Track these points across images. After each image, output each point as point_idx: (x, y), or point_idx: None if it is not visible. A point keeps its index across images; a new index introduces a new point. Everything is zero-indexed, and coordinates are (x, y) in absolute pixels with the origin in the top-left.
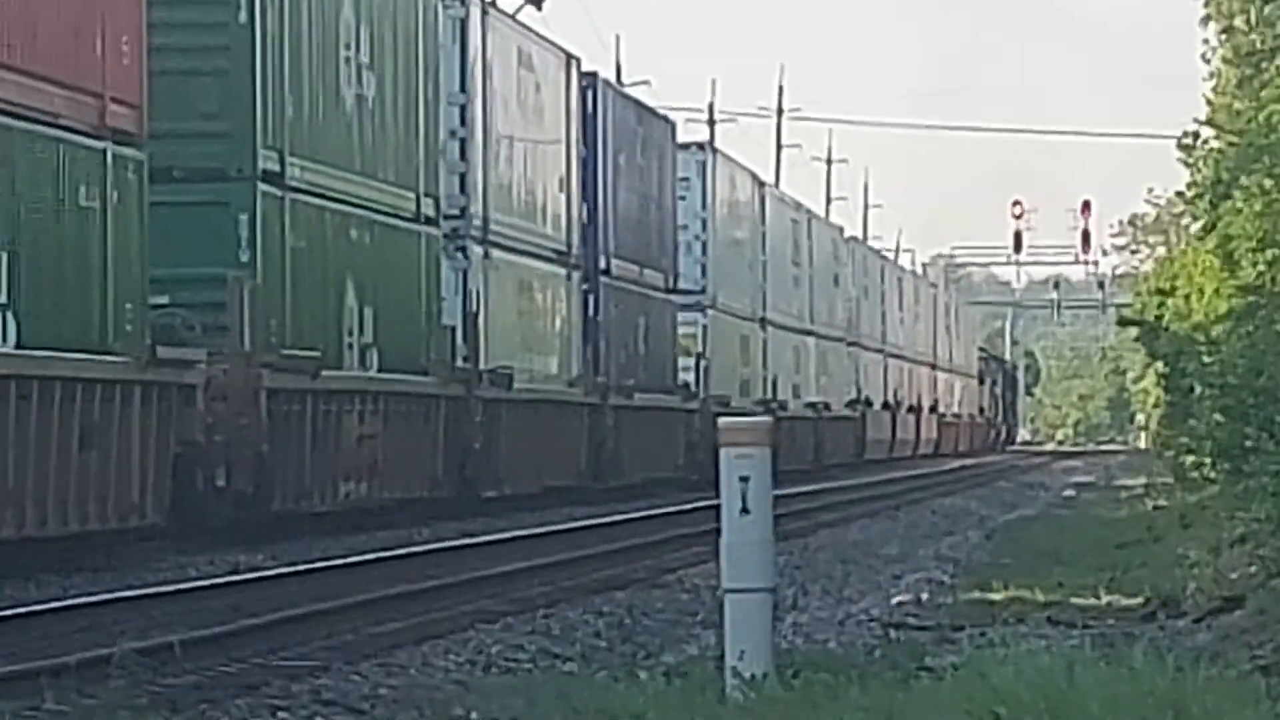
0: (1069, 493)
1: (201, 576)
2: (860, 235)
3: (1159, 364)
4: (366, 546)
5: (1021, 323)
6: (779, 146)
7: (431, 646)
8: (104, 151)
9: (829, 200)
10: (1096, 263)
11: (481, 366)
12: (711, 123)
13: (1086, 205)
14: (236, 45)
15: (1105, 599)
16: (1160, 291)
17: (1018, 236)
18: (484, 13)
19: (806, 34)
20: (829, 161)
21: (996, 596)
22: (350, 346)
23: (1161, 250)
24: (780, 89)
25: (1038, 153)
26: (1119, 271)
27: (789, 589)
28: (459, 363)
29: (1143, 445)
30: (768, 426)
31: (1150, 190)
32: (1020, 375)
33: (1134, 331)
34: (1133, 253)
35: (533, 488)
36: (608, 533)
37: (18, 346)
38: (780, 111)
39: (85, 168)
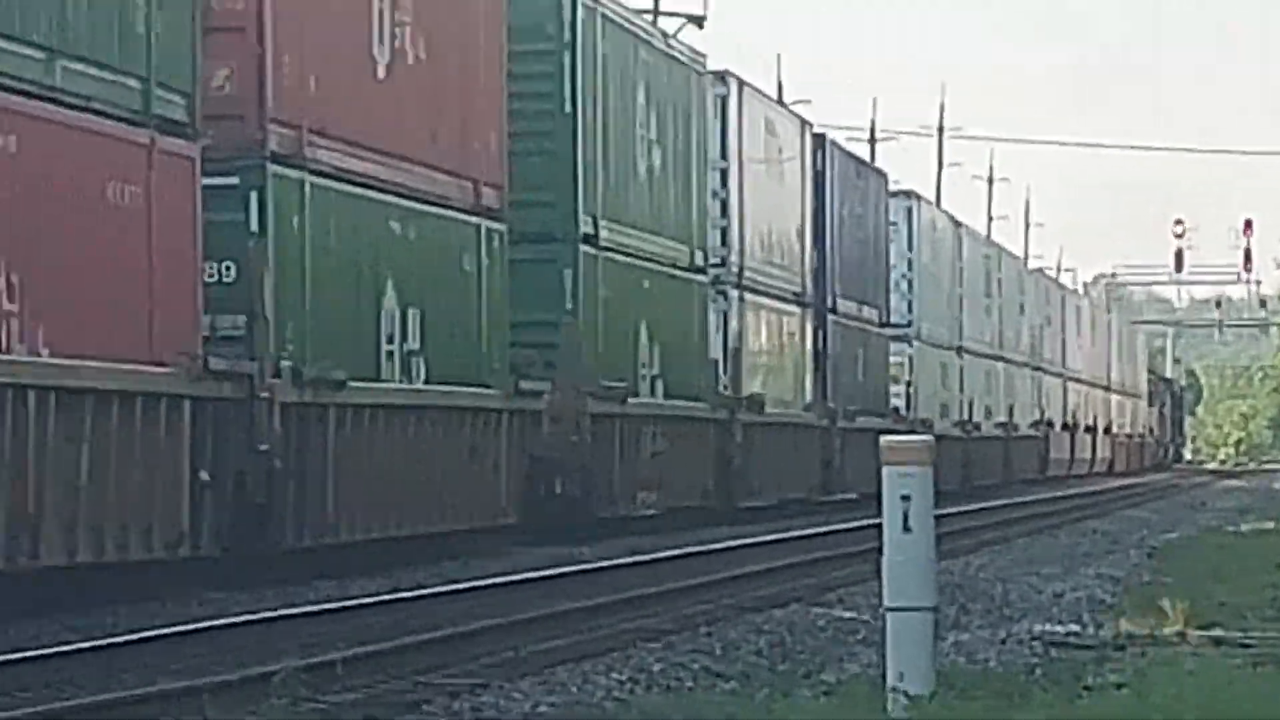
0: (1230, 512)
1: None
2: (1021, 255)
3: None
4: (531, 565)
5: (1183, 341)
6: (940, 165)
7: (593, 664)
8: (478, 226)
9: (990, 219)
10: (1259, 281)
11: (741, 394)
12: (873, 141)
13: (1249, 224)
14: (560, 131)
15: (1267, 618)
16: None
17: (1179, 255)
18: (740, 89)
19: (967, 53)
20: (990, 180)
21: (1157, 615)
22: (644, 378)
23: None
24: (942, 107)
25: (1199, 171)
26: None
27: (950, 607)
28: (723, 390)
29: None
30: (929, 445)
31: None
32: (1185, 395)
33: None
34: None
35: (774, 499)
36: (771, 551)
37: (425, 383)
38: (941, 130)
39: (466, 239)
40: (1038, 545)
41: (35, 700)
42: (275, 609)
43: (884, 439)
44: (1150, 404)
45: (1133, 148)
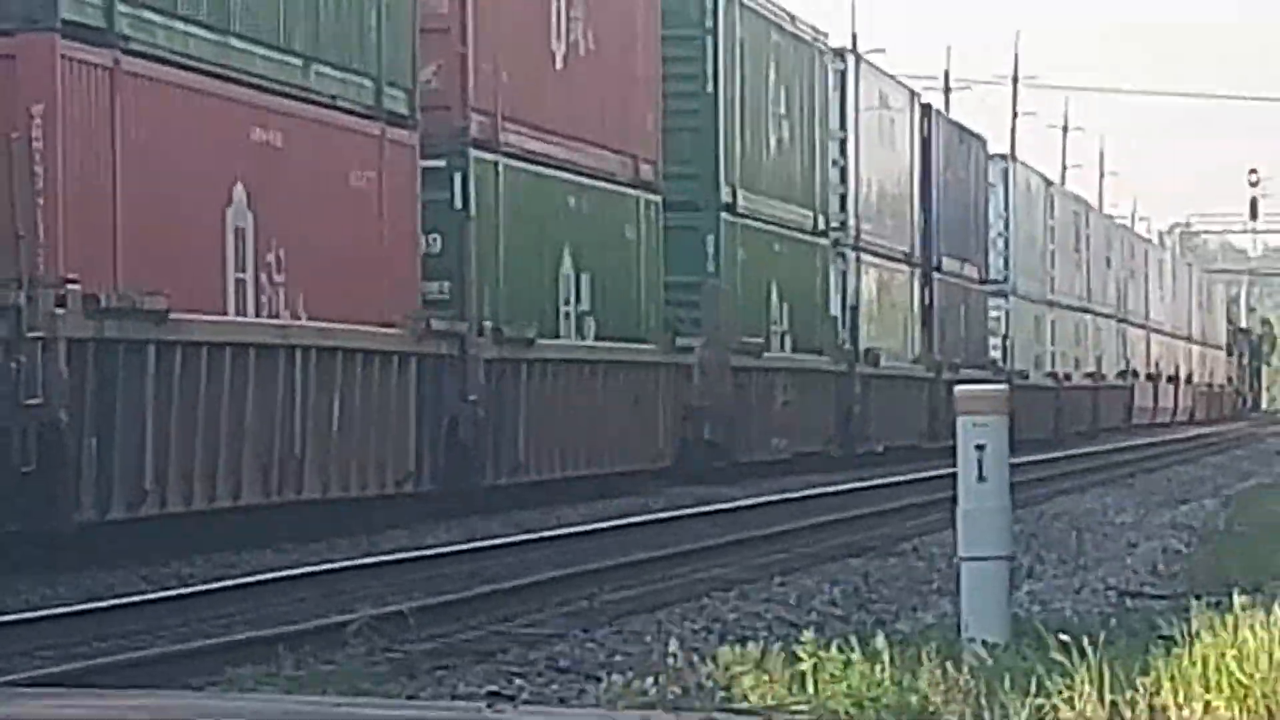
0: None
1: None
2: (1096, 204)
3: None
4: (606, 514)
5: (1257, 290)
6: (1014, 115)
7: (667, 614)
8: (638, 198)
9: (1064, 168)
10: None
11: (859, 348)
12: (947, 90)
13: None
14: (704, 109)
15: None
16: None
17: (1254, 203)
18: (857, 65)
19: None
20: (1065, 130)
21: (1232, 564)
22: (775, 334)
23: None
24: (1016, 56)
25: (1274, 119)
26: None
27: (1024, 557)
28: (843, 345)
29: None
30: (1004, 395)
31: None
32: (1263, 345)
33: None
34: None
35: (888, 445)
36: (850, 499)
37: (596, 340)
38: (1016, 79)
39: (628, 210)
40: (1113, 494)
41: (112, 650)
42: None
43: (958, 389)
44: (1229, 354)
45: (1207, 96)
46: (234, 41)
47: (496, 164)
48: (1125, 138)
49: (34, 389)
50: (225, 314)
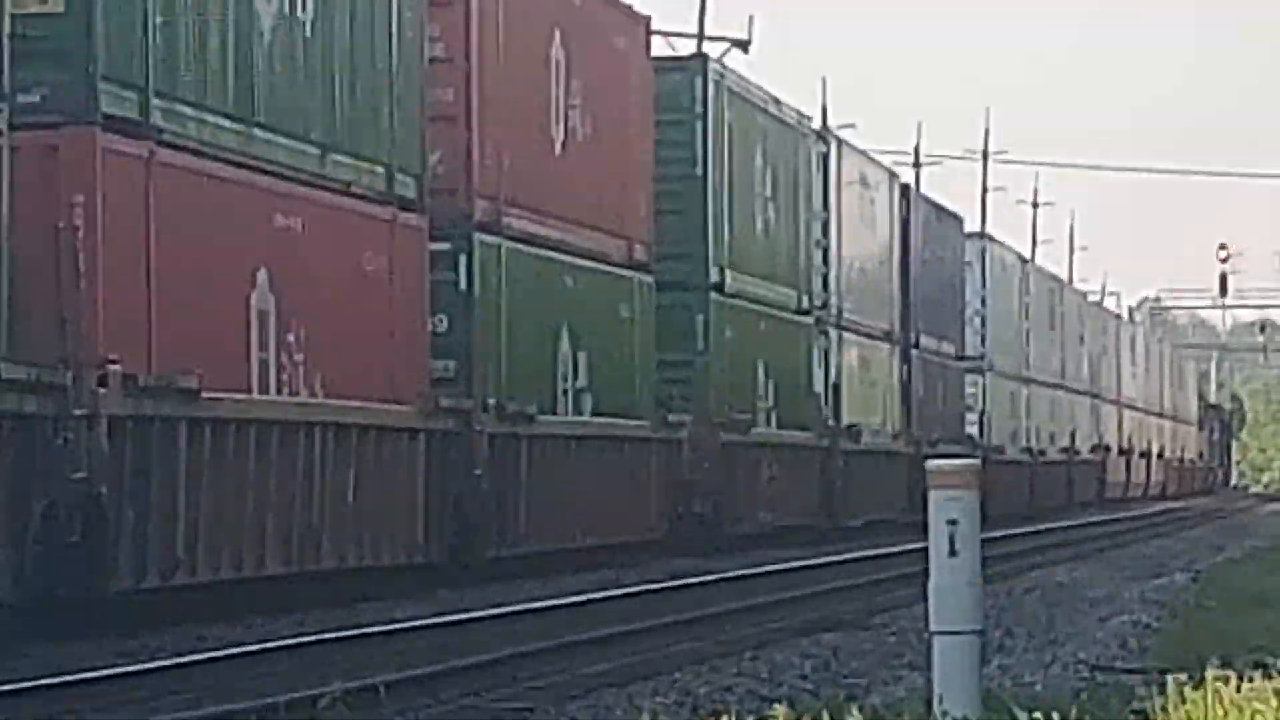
0: (1275, 537)
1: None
2: (1067, 279)
3: None
4: (577, 589)
5: (1227, 365)
6: (985, 189)
7: (639, 687)
8: (632, 279)
9: (1034, 243)
10: None
11: (841, 424)
12: (917, 165)
13: None
14: (693, 192)
15: None
16: None
17: (1223, 279)
18: (839, 147)
19: (1009, 78)
20: (1035, 205)
21: (1203, 640)
22: (761, 410)
23: None
24: (986, 132)
25: (1243, 194)
26: None
27: (995, 630)
28: (826, 421)
29: None
30: (976, 469)
31: None
32: (1235, 421)
33: None
34: None
35: (869, 519)
36: (818, 574)
37: (592, 416)
38: (986, 154)
39: (623, 290)
40: (1081, 570)
41: None
42: (321, 631)
43: (930, 463)
44: (1200, 429)
45: (1177, 171)
46: (257, 132)
47: (499, 247)
48: (1095, 213)
49: (78, 464)
50: (250, 392)
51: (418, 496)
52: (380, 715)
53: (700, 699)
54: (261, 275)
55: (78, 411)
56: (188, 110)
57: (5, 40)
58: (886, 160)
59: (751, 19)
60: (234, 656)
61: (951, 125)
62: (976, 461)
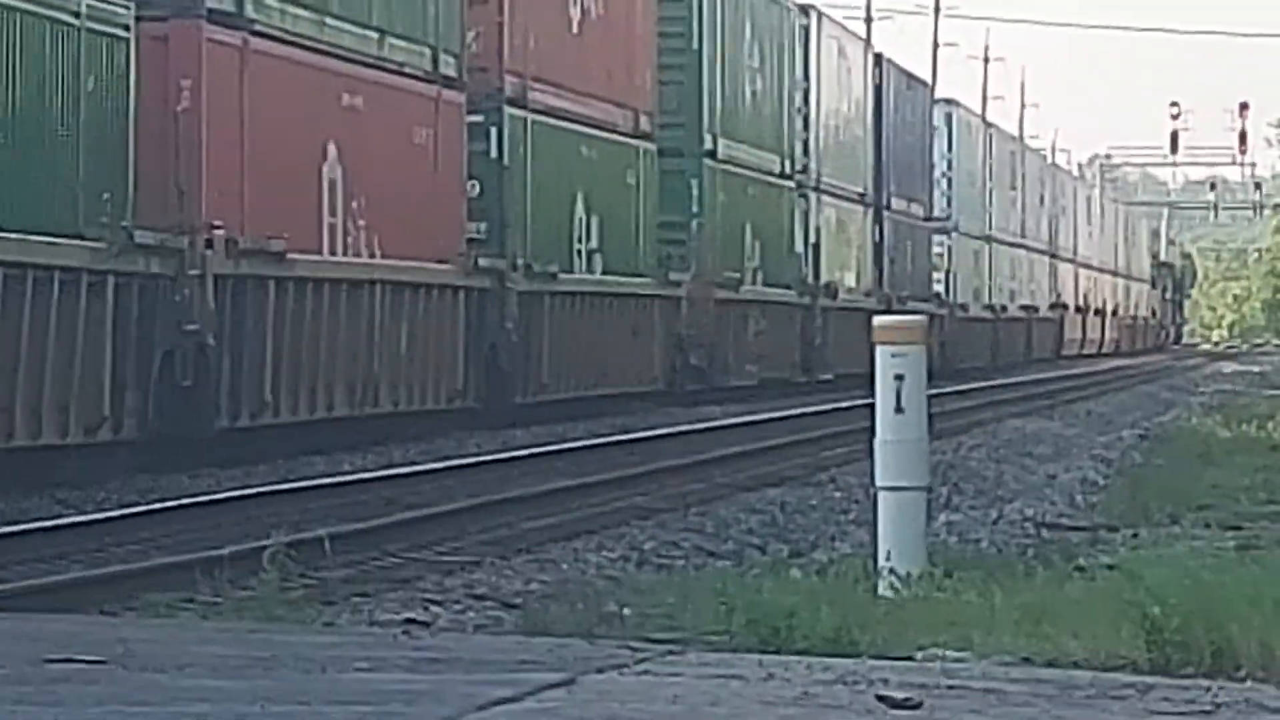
0: (1223, 395)
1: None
2: (1017, 135)
3: None
4: (535, 441)
5: (1178, 223)
6: (935, 45)
7: (585, 542)
8: (637, 147)
9: (985, 99)
10: (1254, 163)
11: (820, 282)
12: (869, 20)
13: (1244, 106)
14: (690, 65)
15: (1258, 499)
16: None
17: (1174, 137)
18: (819, 20)
19: None
20: (986, 60)
21: (1150, 497)
22: (749, 269)
23: None
24: None
25: (1195, 52)
26: (1276, 171)
27: (943, 487)
28: (806, 279)
29: None
30: (922, 325)
31: None
32: (1186, 279)
33: None
34: None
35: (847, 370)
36: (770, 428)
37: (603, 274)
38: (938, 10)
39: (628, 158)
40: (1031, 427)
41: (27, 575)
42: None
43: (876, 319)
44: (1154, 287)
45: (1129, 28)
46: (329, 20)
47: (526, 120)
48: (1046, 69)
49: (191, 316)
50: (321, 253)
51: (459, 348)
52: (323, 566)
53: (646, 554)
54: (331, 149)
55: (191, 271)
56: (273, 2)
57: None
58: (838, 15)
59: None
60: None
61: None
62: (923, 317)
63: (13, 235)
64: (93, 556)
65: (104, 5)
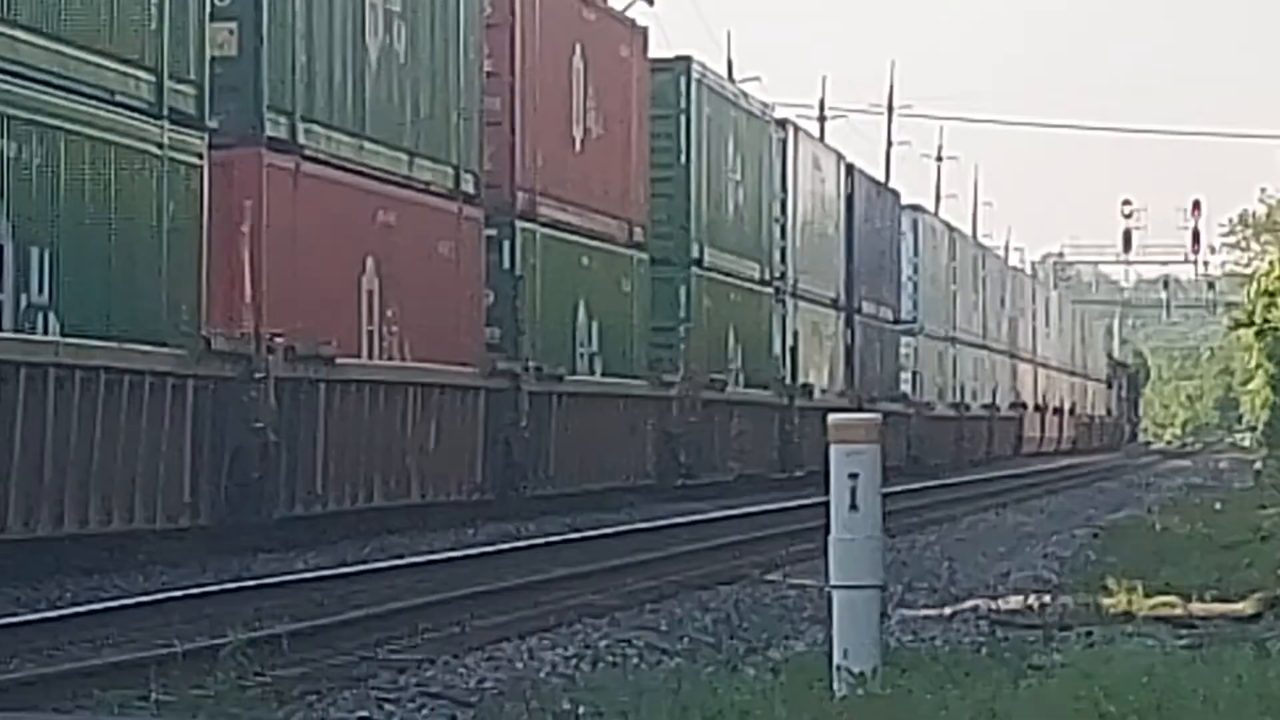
0: (1176, 492)
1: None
2: (970, 233)
3: (1268, 364)
4: (489, 540)
5: (1130, 321)
6: (889, 144)
7: (538, 640)
8: (631, 257)
9: (939, 198)
10: (1206, 262)
11: (796, 383)
12: (822, 119)
13: (1197, 205)
14: (678, 178)
15: (1211, 599)
16: (1269, 293)
17: (1127, 235)
18: (795, 133)
19: (916, 30)
20: (939, 159)
21: (1103, 596)
22: (732, 371)
23: (1272, 250)
24: (891, 86)
25: (1148, 151)
26: (1228, 270)
27: (896, 585)
28: (783, 380)
29: (1248, 445)
30: (876, 423)
31: (1263, 190)
32: (1140, 378)
33: (1243, 332)
34: (1243, 250)
35: (820, 466)
36: (715, 528)
37: (603, 376)
38: (891, 109)
39: (624, 267)
40: (984, 524)
41: None
42: (223, 581)
43: (831, 417)
44: (1109, 386)
45: (1081, 127)
46: (366, 144)
47: (535, 232)
48: (999, 167)
49: (257, 415)
50: (360, 357)
51: (479, 444)
52: (280, 665)
53: (600, 652)
54: (369, 261)
55: (257, 375)
56: (320, 129)
57: (207, 81)
58: (792, 114)
59: None
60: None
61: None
62: (877, 415)
63: (112, 344)
64: (43, 657)
65: (182, 136)
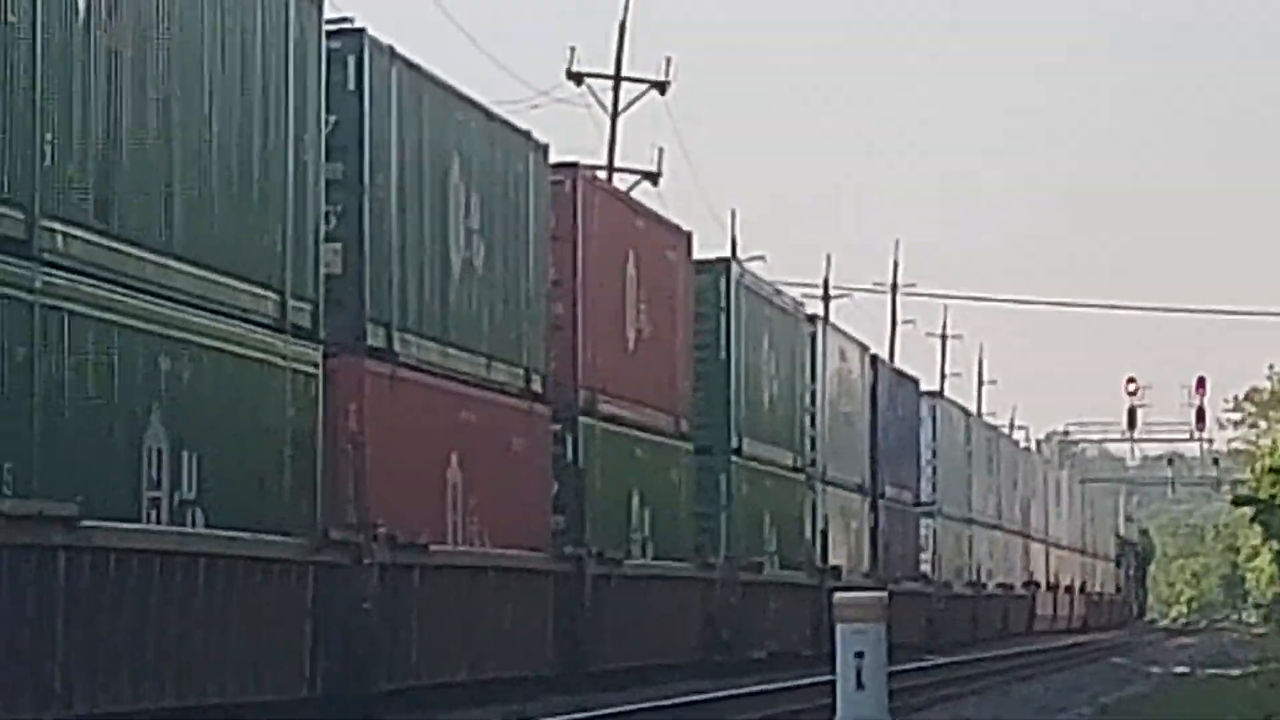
0: (1182, 670)
1: None
2: (975, 412)
3: (1274, 542)
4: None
5: (1136, 498)
6: (894, 323)
7: None
8: (678, 447)
9: (943, 376)
10: (1211, 440)
11: (827, 565)
12: (826, 298)
13: (1201, 382)
14: (718, 373)
15: None
16: (1275, 470)
17: (1132, 413)
18: (824, 327)
19: (919, 209)
20: (944, 338)
21: None
22: (767, 554)
23: (1279, 427)
24: (895, 264)
25: (1152, 328)
26: (1233, 446)
27: None
28: (815, 562)
29: (1254, 622)
30: (882, 602)
31: (1271, 367)
32: (1146, 556)
33: (1248, 509)
34: (1250, 427)
35: None
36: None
37: (654, 559)
38: (895, 288)
39: (673, 457)
40: (990, 701)
41: None
42: None
43: (837, 596)
44: (1117, 565)
45: (1085, 305)
46: (450, 350)
47: (595, 427)
48: (1003, 345)
49: (365, 596)
50: (446, 544)
51: (548, 622)
52: None
53: None
54: (454, 456)
55: (365, 561)
56: (411, 338)
57: (321, 298)
58: (796, 293)
59: (661, 151)
60: None
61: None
62: (883, 594)
63: (246, 535)
64: None
65: (301, 348)
